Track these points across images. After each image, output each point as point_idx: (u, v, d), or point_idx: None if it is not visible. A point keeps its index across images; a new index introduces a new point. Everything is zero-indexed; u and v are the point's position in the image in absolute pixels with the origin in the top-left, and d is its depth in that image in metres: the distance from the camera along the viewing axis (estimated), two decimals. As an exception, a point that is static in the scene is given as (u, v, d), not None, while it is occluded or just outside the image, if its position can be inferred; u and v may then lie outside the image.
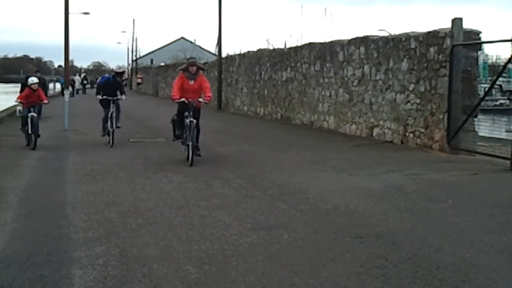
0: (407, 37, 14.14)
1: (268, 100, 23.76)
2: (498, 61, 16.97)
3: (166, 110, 30.02)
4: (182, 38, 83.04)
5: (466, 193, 8.34)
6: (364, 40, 16.31)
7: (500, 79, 19.18)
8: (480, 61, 13.48)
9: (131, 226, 6.78)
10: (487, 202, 7.75)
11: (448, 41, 12.43)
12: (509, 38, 11.06)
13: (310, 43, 20.34)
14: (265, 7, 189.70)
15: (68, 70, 25.09)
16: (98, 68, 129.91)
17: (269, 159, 12.32)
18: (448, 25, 12.49)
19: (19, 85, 25.96)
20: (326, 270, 5.19)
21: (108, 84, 15.06)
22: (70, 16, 22.71)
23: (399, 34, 14.82)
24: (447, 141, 12.22)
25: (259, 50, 25.64)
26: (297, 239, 6.18)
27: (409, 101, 13.97)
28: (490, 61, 17.90)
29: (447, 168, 10.42)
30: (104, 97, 14.78)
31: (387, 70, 14.96)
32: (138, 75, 62.45)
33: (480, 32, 12.44)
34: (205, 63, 36.17)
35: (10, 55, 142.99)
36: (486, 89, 13.36)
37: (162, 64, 54.56)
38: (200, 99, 11.65)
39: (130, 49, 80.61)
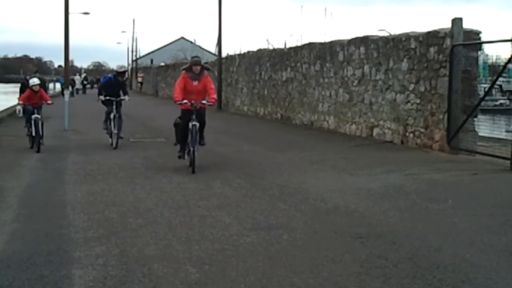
0: (407, 37, 14.14)
1: (268, 100, 23.76)
2: (498, 61, 16.96)
3: (166, 110, 30.05)
4: (182, 38, 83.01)
5: (466, 193, 8.34)
6: (364, 40, 16.31)
7: (500, 79, 19.16)
8: (480, 61, 13.47)
9: (131, 226, 6.78)
10: (487, 202, 7.75)
11: (448, 41, 12.43)
12: (509, 38, 11.06)
13: (310, 43, 20.34)
14: (265, 7, 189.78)
15: (68, 70, 25.09)
16: (98, 68, 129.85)
17: (269, 159, 12.32)
18: (448, 25, 12.49)
19: (19, 85, 26.06)
20: (326, 270, 5.19)
21: (109, 84, 14.67)
22: (70, 16, 22.73)
23: (399, 34, 14.82)
24: (447, 141, 12.22)
25: (259, 50, 25.65)
26: (297, 239, 6.18)
27: (409, 101, 13.97)
28: (490, 61, 17.89)
29: (447, 168, 10.42)
30: (107, 97, 14.39)
31: (387, 70, 14.96)
32: (139, 75, 62.34)
33: (480, 32, 12.44)
34: (205, 63, 36.20)
35: (10, 55, 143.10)
36: (486, 89, 13.35)
37: (162, 64, 54.56)
38: (204, 101, 10.87)
39: (130, 49, 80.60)
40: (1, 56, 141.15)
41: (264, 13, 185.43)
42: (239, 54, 28.47)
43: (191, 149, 10.53)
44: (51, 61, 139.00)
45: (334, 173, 10.38)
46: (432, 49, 13.07)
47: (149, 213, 7.42)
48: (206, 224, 6.83)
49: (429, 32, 13.31)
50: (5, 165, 11.58)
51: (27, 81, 24.87)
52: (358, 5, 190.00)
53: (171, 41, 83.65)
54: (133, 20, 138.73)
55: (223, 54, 30.71)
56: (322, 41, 19.85)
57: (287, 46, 24.27)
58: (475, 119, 12.11)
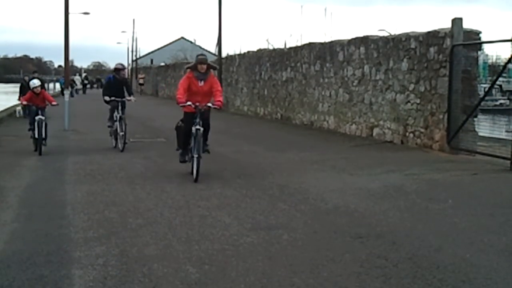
0: (407, 37, 14.14)
1: (268, 100, 23.76)
2: (498, 61, 16.95)
3: (166, 110, 30.08)
4: (182, 38, 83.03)
5: (466, 193, 8.34)
6: (364, 40, 16.31)
7: (500, 79, 19.16)
8: (480, 61, 13.48)
9: (131, 226, 6.78)
10: (487, 202, 7.75)
11: (448, 41, 12.43)
12: (509, 38, 11.07)
13: (310, 43, 20.35)
14: (265, 7, 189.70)
15: (68, 70, 25.10)
16: (98, 68, 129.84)
17: (269, 159, 12.32)
18: (448, 25, 12.49)
19: (19, 85, 26.07)
20: (326, 270, 5.19)
21: (110, 84, 14.34)
22: (70, 16, 22.73)
23: (399, 34, 14.82)
24: (447, 141, 12.22)
25: (259, 50, 25.65)
26: (297, 239, 6.18)
27: (409, 101, 13.97)
28: (490, 61, 17.88)
29: (447, 168, 10.42)
30: (112, 98, 13.91)
31: (387, 70, 14.96)
32: (140, 75, 62.24)
33: (480, 32, 12.44)
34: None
35: (10, 55, 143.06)
36: (486, 89, 13.35)
37: (162, 64, 54.55)
38: (210, 104, 9.94)
39: (130, 49, 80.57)
40: (1, 56, 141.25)
41: (264, 13, 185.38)
42: (239, 54, 28.47)
43: (195, 156, 9.61)
44: (51, 61, 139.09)
45: (334, 173, 10.38)
46: (432, 49, 13.07)
47: (149, 213, 7.42)
48: (206, 224, 6.83)
49: (429, 32, 13.31)
50: (5, 165, 11.58)
51: (26, 81, 24.93)
52: (358, 5, 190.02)
53: (171, 41, 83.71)
54: (133, 20, 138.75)
55: (223, 54, 30.72)
56: (322, 41, 19.87)
57: (287, 46, 24.29)
58: (475, 119, 12.12)
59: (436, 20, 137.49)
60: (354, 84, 16.68)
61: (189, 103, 9.73)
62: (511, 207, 7.48)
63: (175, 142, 10.55)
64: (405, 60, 14.16)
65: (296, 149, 13.71)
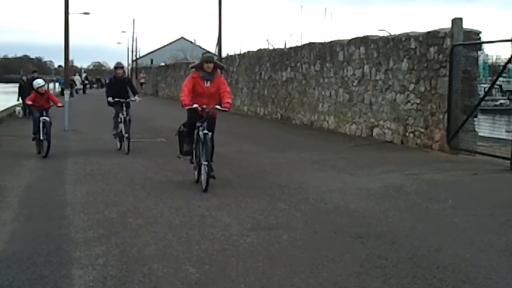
0: (407, 37, 14.14)
1: (268, 100, 23.76)
2: (498, 61, 16.95)
3: (166, 110, 30.09)
4: (182, 38, 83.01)
5: (466, 193, 8.34)
6: (364, 40, 16.31)
7: (500, 79, 19.15)
8: (480, 61, 13.47)
9: (131, 226, 6.78)
10: (487, 202, 7.75)
11: (448, 41, 12.43)
12: (509, 38, 11.07)
13: (310, 43, 20.35)
14: (265, 7, 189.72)
15: (68, 70, 25.12)
16: (98, 68, 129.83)
17: (269, 159, 12.32)
18: (448, 25, 12.49)
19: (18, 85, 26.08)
20: (326, 270, 5.19)
21: (112, 85, 14.01)
22: (70, 16, 22.75)
23: (399, 34, 14.82)
24: (447, 141, 12.22)
25: (259, 50, 25.65)
26: (297, 239, 6.18)
27: (409, 101, 13.97)
28: (490, 61, 17.87)
29: (447, 168, 10.42)
30: (116, 99, 13.49)
31: (387, 70, 14.96)
32: (141, 75, 62.16)
33: (480, 32, 12.44)
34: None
35: (10, 55, 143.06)
36: (486, 89, 13.35)
37: (162, 64, 54.53)
38: (218, 106, 9.11)
39: (130, 49, 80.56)
40: (1, 56, 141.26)
41: (264, 13, 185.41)
42: (239, 54, 28.47)
43: (204, 163, 8.77)
44: (51, 61, 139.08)
45: (334, 173, 10.38)
46: (432, 49, 13.07)
47: (149, 213, 7.42)
48: (206, 224, 6.83)
49: (429, 32, 13.31)
50: (5, 165, 11.58)
51: (24, 81, 24.92)
52: (358, 5, 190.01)
53: (171, 41, 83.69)
54: (133, 20, 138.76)
55: (223, 54, 30.72)
56: (322, 41, 19.87)
57: (287, 46, 24.30)
58: (475, 119, 12.12)
59: (436, 20, 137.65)
60: (354, 84, 16.68)
61: (195, 105, 8.91)
62: (511, 207, 7.48)
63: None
64: (405, 60, 14.16)
65: (296, 149, 13.71)
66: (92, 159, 12.30)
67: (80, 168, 11.17)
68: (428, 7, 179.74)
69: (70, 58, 24.41)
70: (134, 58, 72.39)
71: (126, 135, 13.28)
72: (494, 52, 16.84)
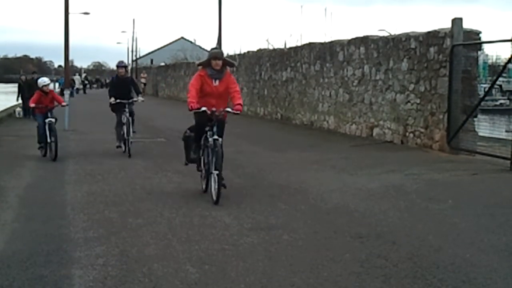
0: (407, 37, 14.14)
1: (268, 100, 23.76)
2: (498, 61, 16.97)
3: (166, 110, 30.09)
4: (182, 38, 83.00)
5: (466, 193, 8.34)
6: (364, 40, 16.31)
7: (500, 79, 19.18)
8: (480, 61, 13.48)
9: (131, 226, 6.78)
10: (487, 202, 7.75)
11: (448, 41, 12.43)
12: (509, 38, 11.07)
13: (310, 43, 20.35)
14: (265, 7, 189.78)
15: (68, 70, 25.12)
16: (98, 68, 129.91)
17: (269, 159, 12.31)
18: (448, 25, 12.49)
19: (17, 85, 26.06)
20: (326, 270, 5.19)
21: (113, 84, 13.53)
22: (70, 16, 22.76)
23: (399, 34, 14.82)
24: (447, 141, 12.22)
25: (259, 50, 25.64)
26: (297, 239, 6.18)
27: (409, 101, 13.97)
28: (490, 61, 17.90)
29: (447, 168, 10.42)
30: (118, 101, 12.94)
31: (387, 70, 14.96)
32: (142, 75, 62.11)
33: (480, 32, 12.44)
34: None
35: (10, 55, 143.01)
36: (486, 89, 13.36)
37: (162, 64, 54.52)
38: (228, 109, 8.27)
39: (130, 49, 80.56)
40: (1, 56, 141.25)
41: (264, 13, 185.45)
42: (239, 54, 28.45)
43: (214, 173, 7.90)
44: (51, 61, 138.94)
45: (334, 173, 10.38)
46: (432, 49, 13.07)
47: (149, 213, 7.42)
48: (206, 224, 6.83)
49: (429, 32, 13.31)
50: (5, 165, 11.58)
51: (23, 81, 24.91)
52: (358, 5, 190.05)
53: (171, 41, 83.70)
54: (133, 20, 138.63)
55: (223, 54, 30.66)
56: (322, 41, 19.88)
57: (287, 46, 24.28)
58: (475, 119, 12.12)
59: (436, 20, 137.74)
60: (354, 84, 16.68)
61: (203, 108, 8.01)
62: (511, 207, 7.48)
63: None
64: (405, 60, 14.16)
65: (296, 149, 13.71)
66: (92, 159, 12.30)
67: (80, 168, 11.17)
68: (428, 7, 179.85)
69: (70, 58, 24.44)
70: (134, 58, 72.42)
71: (127, 137, 12.78)
72: (494, 52, 16.88)
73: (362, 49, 16.30)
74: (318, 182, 9.44)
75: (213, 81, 8.21)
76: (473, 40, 12.25)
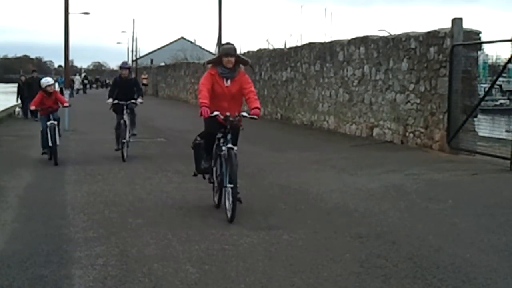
0: (407, 37, 14.14)
1: (268, 100, 23.75)
2: (498, 61, 16.96)
3: (166, 110, 30.09)
4: (182, 38, 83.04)
5: (466, 193, 8.34)
6: (364, 40, 16.31)
7: (500, 79, 19.17)
8: (480, 61, 13.47)
9: (131, 226, 6.78)
10: (487, 202, 7.75)
11: (448, 41, 12.43)
12: (509, 38, 11.07)
13: (310, 43, 20.35)
14: (265, 7, 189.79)
15: (68, 70, 25.13)
16: (98, 68, 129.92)
17: (269, 159, 12.32)
18: (448, 25, 12.49)
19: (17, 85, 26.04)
20: (326, 270, 5.19)
21: (115, 84, 12.92)
22: (70, 16, 22.79)
23: (399, 34, 14.83)
24: (447, 141, 12.22)
25: (259, 50, 25.64)
26: (297, 239, 6.18)
27: (409, 101, 13.97)
28: (490, 61, 17.88)
29: (447, 168, 10.42)
30: (116, 101, 12.40)
31: (387, 70, 14.96)
32: (144, 76, 62.04)
33: (480, 32, 12.44)
34: (205, 63, 36.02)
35: (10, 55, 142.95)
36: (486, 89, 13.35)
37: (162, 64, 54.53)
38: (244, 113, 7.25)
39: (130, 49, 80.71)
40: (1, 56, 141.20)
41: (264, 13, 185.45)
42: (239, 54, 28.43)
43: (229, 187, 6.93)
44: (51, 61, 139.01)
45: (334, 173, 10.38)
46: (432, 49, 13.07)
47: (149, 213, 7.42)
48: (206, 224, 6.83)
49: (429, 32, 13.31)
50: (5, 165, 11.58)
51: (22, 81, 24.88)
52: (358, 5, 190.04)
53: (171, 41, 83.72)
54: (133, 20, 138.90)
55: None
56: (322, 41, 19.89)
57: (287, 46, 24.32)
58: (475, 119, 12.12)
59: (436, 20, 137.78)
60: (354, 84, 16.68)
61: (216, 113, 7.05)
62: (511, 207, 7.48)
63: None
64: (405, 60, 14.16)
65: (296, 149, 13.71)
66: (92, 159, 12.30)
67: (80, 168, 11.17)
68: (428, 7, 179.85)
69: (70, 58, 24.45)
70: (134, 58, 72.46)
71: (124, 140, 12.18)
72: (494, 52, 16.87)
73: (362, 49, 16.30)
74: (318, 182, 9.44)
75: (225, 81, 7.28)
76: (473, 40, 12.25)
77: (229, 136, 7.13)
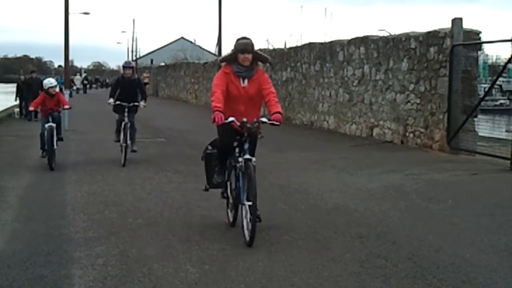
0: (407, 37, 14.14)
1: (268, 100, 23.73)
2: (498, 61, 16.96)
3: (166, 110, 30.08)
4: (182, 38, 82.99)
5: (466, 193, 8.34)
6: (364, 40, 16.31)
7: (500, 79, 19.16)
8: (480, 61, 13.47)
9: (131, 226, 6.78)
10: (487, 202, 7.75)
11: (448, 41, 12.43)
12: (509, 38, 11.07)
13: (310, 43, 20.34)
14: (265, 7, 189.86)
15: (68, 70, 25.16)
16: (98, 68, 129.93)
17: (269, 159, 12.30)
18: (448, 25, 12.49)
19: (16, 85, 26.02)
20: (326, 270, 5.19)
21: (117, 84, 12.32)
22: (70, 16, 22.83)
23: (399, 34, 14.82)
24: (447, 141, 12.21)
25: (259, 50, 25.61)
26: (297, 239, 6.18)
27: (409, 101, 13.97)
28: (490, 61, 17.88)
29: (447, 168, 10.42)
30: (117, 102, 11.90)
31: (387, 70, 14.96)
32: (145, 75, 62.03)
33: (480, 32, 12.44)
34: (205, 63, 36.08)
35: (10, 55, 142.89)
36: (486, 89, 13.35)
37: (162, 64, 54.53)
38: (264, 119, 6.23)
39: (130, 49, 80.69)
40: (1, 56, 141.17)
41: (264, 13, 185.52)
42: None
43: (247, 204, 5.99)
44: (51, 61, 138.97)
45: (334, 173, 10.38)
46: (432, 49, 13.07)
47: (149, 213, 7.42)
48: (206, 224, 6.83)
49: (429, 32, 13.31)
50: (5, 165, 11.58)
51: (22, 81, 24.86)
52: (358, 5, 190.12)
53: (171, 41, 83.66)
54: (133, 20, 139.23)
55: (223, 54, 30.67)
56: (322, 41, 19.88)
57: (287, 46, 24.30)
58: (475, 119, 12.11)
59: (436, 20, 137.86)
60: (354, 84, 16.67)
61: (231, 119, 6.08)
62: (511, 207, 7.48)
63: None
64: (405, 60, 14.16)
65: (296, 149, 13.70)
66: (92, 159, 12.30)
67: (80, 168, 11.17)
68: (428, 7, 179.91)
69: (70, 58, 24.48)
70: (134, 58, 72.50)
71: (124, 144, 11.67)
72: (494, 52, 16.86)
73: (362, 49, 16.30)
74: (318, 182, 9.44)
75: (241, 81, 6.28)
76: (473, 40, 12.25)
77: (246, 146, 6.20)
